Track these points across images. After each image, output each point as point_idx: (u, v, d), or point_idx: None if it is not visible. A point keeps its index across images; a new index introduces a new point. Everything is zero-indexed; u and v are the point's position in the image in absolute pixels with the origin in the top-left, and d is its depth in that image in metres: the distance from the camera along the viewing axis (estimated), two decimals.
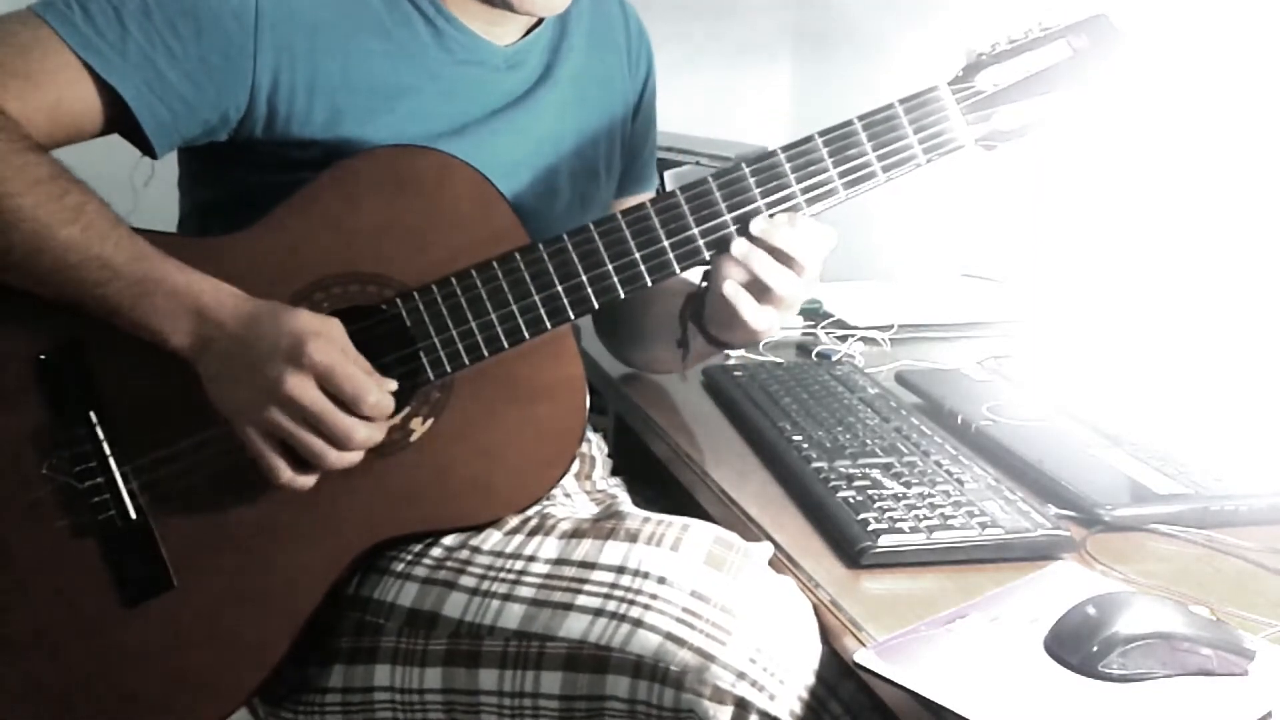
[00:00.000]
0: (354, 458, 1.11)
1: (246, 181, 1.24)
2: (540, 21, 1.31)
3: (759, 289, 1.19)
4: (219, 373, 1.10)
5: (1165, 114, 1.50)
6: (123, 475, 1.14)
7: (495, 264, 1.17)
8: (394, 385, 1.12)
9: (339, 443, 1.09)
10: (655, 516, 1.12)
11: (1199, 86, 1.45)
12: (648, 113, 1.48)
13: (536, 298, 1.18)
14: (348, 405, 1.08)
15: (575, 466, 1.38)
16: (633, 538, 1.09)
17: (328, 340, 1.08)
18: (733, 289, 1.19)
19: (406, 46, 1.24)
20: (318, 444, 1.08)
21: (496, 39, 1.28)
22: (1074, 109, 1.19)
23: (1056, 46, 1.19)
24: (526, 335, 1.18)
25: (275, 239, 1.17)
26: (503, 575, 1.12)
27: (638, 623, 1.04)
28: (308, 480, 1.11)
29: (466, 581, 1.13)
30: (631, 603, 1.05)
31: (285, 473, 1.10)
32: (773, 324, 1.22)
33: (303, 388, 1.07)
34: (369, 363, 1.11)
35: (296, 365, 1.07)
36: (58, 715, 1.13)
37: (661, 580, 1.05)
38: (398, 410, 1.14)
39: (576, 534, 1.13)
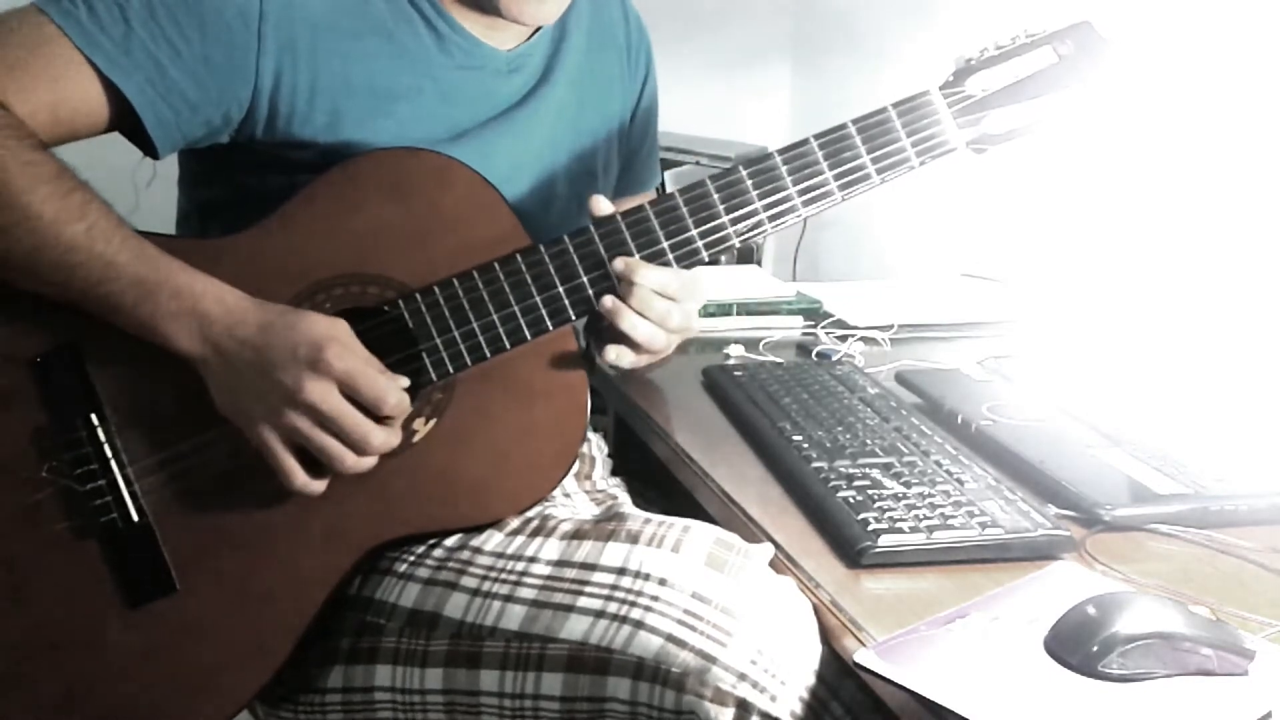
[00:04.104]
0: (370, 462, 1.12)
1: (246, 182, 1.24)
2: (539, 26, 1.31)
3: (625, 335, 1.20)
4: (227, 377, 1.11)
5: (1154, 117, 1.51)
6: (124, 477, 1.14)
7: (496, 265, 1.18)
8: (407, 382, 1.13)
9: (357, 446, 1.10)
10: (656, 518, 1.13)
11: (1185, 90, 1.46)
12: (647, 113, 1.48)
13: (538, 298, 1.18)
14: (368, 408, 1.09)
15: (575, 467, 1.38)
16: (634, 539, 1.09)
17: (343, 345, 1.09)
18: (610, 305, 1.19)
19: (408, 49, 1.24)
20: (337, 447, 1.10)
21: (498, 44, 1.28)
22: (1061, 113, 1.21)
23: (1043, 52, 1.21)
24: (528, 336, 1.18)
25: (276, 240, 1.17)
26: (504, 576, 1.12)
27: (639, 624, 1.04)
28: (321, 485, 1.12)
29: (468, 582, 1.13)
30: (633, 604, 1.05)
31: (300, 477, 1.11)
32: (648, 358, 1.23)
33: (324, 393, 1.08)
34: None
35: (316, 371, 1.08)
36: (60, 717, 1.13)
37: (662, 582, 1.05)
38: None
39: (577, 535, 1.13)
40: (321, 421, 1.09)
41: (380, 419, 1.11)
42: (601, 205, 1.20)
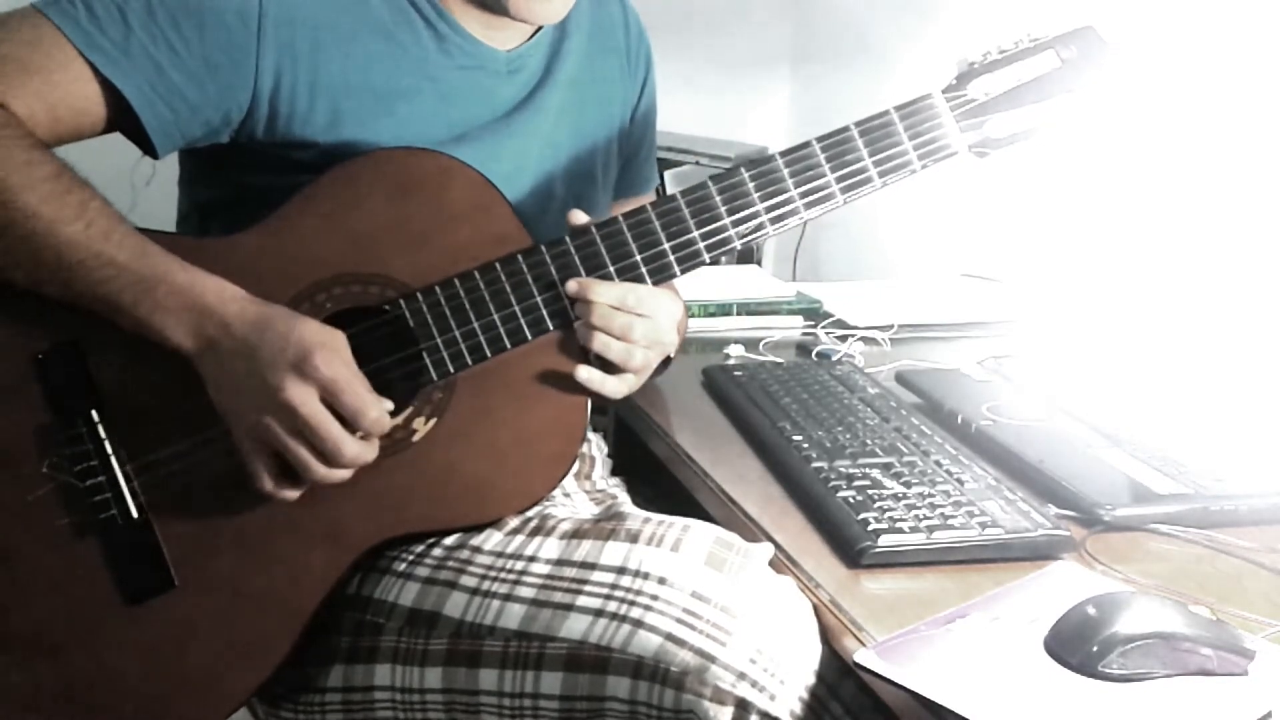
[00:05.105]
0: (341, 475, 1.10)
1: (246, 182, 1.24)
2: (541, 26, 1.31)
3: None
4: (220, 373, 1.10)
5: (1156, 121, 1.51)
6: (124, 474, 1.14)
7: (497, 265, 1.18)
8: (390, 405, 1.12)
9: (329, 457, 1.08)
10: (656, 517, 1.13)
11: (1187, 93, 1.46)
12: (646, 114, 1.48)
13: (539, 299, 1.18)
14: (347, 420, 1.08)
15: (575, 466, 1.38)
16: (633, 538, 1.09)
17: (333, 352, 1.08)
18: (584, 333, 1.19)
19: (408, 50, 1.24)
20: (305, 455, 1.08)
21: (498, 44, 1.28)
22: (1063, 117, 1.21)
23: (1046, 56, 1.21)
24: (529, 336, 1.18)
25: (277, 240, 1.17)
26: (503, 575, 1.12)
27: (638, 623, 1.04)
28: (291, 493, 1.11)
29: (467, 581, 1.13)
30: (632, 603, 1.05)
31: (267, 482, 1.10)
32: (631, 380, 1.22)
33: (303, 397, 1.07)
34: (367, 378, 1.10)
35: (301, 375, 1.07)
36: (58, 715, 1.13)
37: (662, 581, 1.05)
38: (400, 410, 1.15)
39: (577, 534, 1.13)
40: (295, 426, 1.07)
41: (358, 434, 1.10)
42: (577, 217, 1.20)
